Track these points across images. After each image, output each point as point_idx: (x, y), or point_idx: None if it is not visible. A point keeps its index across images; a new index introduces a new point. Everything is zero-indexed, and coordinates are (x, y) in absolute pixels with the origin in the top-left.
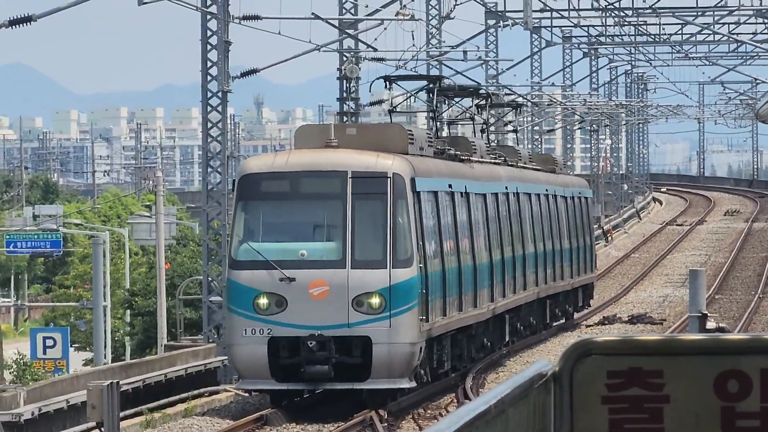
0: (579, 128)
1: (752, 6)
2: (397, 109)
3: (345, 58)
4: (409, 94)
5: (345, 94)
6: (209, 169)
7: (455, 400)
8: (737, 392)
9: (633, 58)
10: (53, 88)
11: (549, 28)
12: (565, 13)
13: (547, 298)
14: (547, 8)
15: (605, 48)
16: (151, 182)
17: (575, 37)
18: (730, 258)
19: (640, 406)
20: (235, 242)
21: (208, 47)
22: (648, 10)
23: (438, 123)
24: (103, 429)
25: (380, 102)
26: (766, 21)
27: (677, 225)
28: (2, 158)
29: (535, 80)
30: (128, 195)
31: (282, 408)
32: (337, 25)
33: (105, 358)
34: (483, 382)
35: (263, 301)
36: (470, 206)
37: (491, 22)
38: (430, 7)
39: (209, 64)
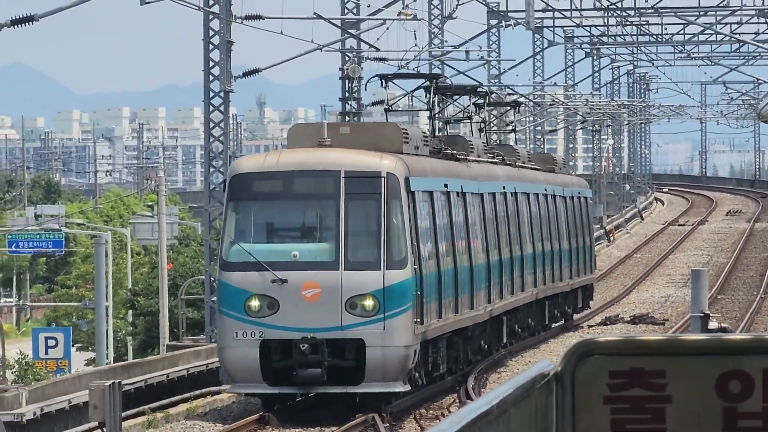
0: (581, 128)
1: (754, 6)
2: (393, 108)
3: (347, 58)
4: (405, 93)
5: (347, 94)
6: (211, 169)
7: (457, 400)
8: (739, 392)
9: (635, 58)
10: (54, 87)
11: (551, 28)
12: (568, 13)
13: (546, 300)
14: (550, 8)
15: (607, 48)
16: (153, 182)
17: (577, 37)
18: (732, 258)
19: (642, 407)
20: (226, 243)
21: (211, 47)
22: (650, 10)
23: (437, 122)
24: (104, 429)
25: (382, 102)
26: None
27: (679, 225)
28: (4, 158)
29: (537, 80)
30: (130, 195)
31: (275, 411)
32: (339, 24)
33: (107, 358)
34: (485, 382)
35: (255, 303)
36: (467, 206)
37: (493, 21)
38: (432, 6)
39: (211, 63)
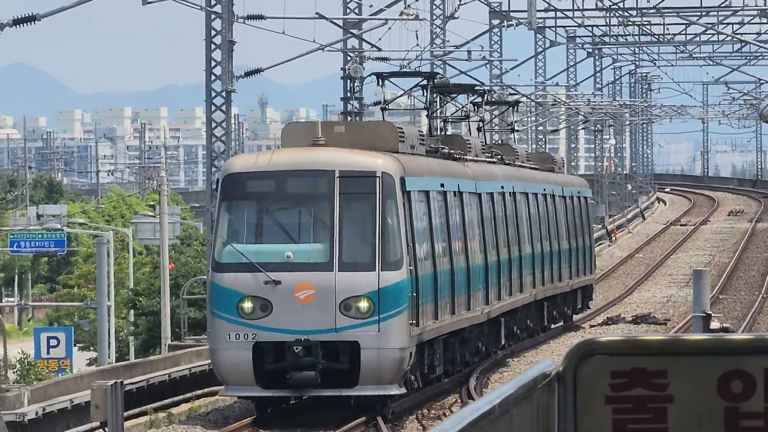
0: (583, 128)
1: (756, 6)
2: (390, 107)
3: (349, 58)
4: (404, 92)
5: (349, 94)
6: (213, 169)
7: (459, 400)
8: (741, 392)
9: (637, 58)
10: (55, 87)
11: (553, 28)
12: (570, 13)
13: (545, 301)
14: (552, 8)
15: (609, 48)
16: (155, 182)
17: (579, 37)
18: (734, 258)
19: (643, 406)
20: (218, 244)
21: (212, 47)
22: (652, 10)
23: (436, 121)
24: (106, 429)
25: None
26: None
27: (681, 225)
28: (6, 158)
29: (539, 80)
30: (132, 195)
31: (269, 414)
32: (341, 24)
33: (109, 357)
34: (486, 381)
35: (247, 304)
36: (464, 206)
37: (495, 21)
38: (434, 6)
39: (213, 63)
